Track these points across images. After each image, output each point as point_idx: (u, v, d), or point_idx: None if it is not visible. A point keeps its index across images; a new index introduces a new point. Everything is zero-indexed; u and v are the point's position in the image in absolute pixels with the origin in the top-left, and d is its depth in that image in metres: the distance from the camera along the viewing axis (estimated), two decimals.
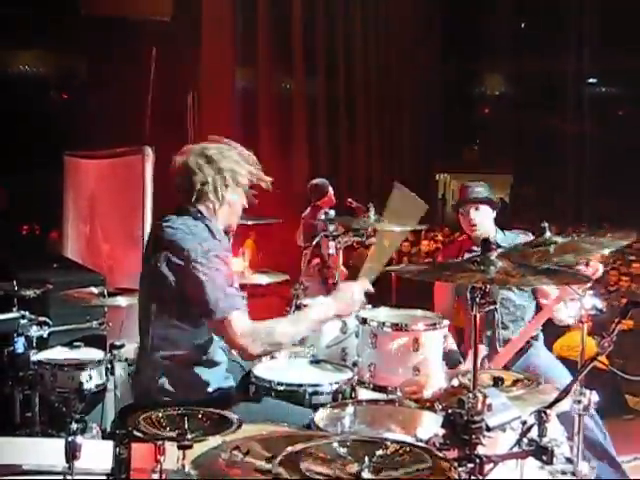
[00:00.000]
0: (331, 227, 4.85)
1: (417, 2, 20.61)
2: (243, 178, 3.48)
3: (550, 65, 21.01)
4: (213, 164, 3.41)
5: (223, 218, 3.49)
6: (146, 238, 3.73)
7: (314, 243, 5.15)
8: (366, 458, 2.16)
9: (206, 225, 3.35)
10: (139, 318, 3.51)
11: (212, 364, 3.42)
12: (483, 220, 4.60)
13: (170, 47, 14.40)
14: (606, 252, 3.17)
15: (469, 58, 22.59)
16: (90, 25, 14.25)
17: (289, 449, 2.25)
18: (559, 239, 3.09)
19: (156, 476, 2.53)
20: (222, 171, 3.41)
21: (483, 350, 4.38)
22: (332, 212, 7.88)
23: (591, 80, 22.63)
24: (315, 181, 8.65)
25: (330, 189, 8.43)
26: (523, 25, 22.87)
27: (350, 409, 3.28)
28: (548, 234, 3.10)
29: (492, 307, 2.49)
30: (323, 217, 7.41)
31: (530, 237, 4.34)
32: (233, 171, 3.44)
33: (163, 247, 3.28)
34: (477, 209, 4.59)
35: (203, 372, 3.39)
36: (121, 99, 12.87)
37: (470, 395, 2.45)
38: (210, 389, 3.39)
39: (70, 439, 2.42)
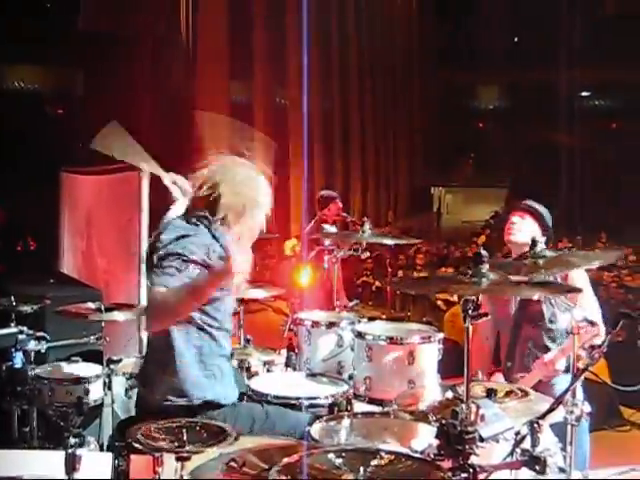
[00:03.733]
0: (326, 241, 4.89)
1: (411, 16, 20.73)
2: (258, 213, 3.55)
3: (544, 78, 21.08)
4: (236, 188, 3.48)
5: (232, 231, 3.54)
6: (143, 253, 3.78)
7: (310, 256, 5.19)
8: (361, 468, 2.20)
9: (206, 226, 3.44)
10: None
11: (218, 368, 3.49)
12: (525, 229, 4.40)
13: (166, 63, 14.49)
14: (594, 266, 3.22)
15: (463, 72, 22.66)
16: (86, 40, 14.30)
17: (286, 460, 2.28)
18: (549, 253, 3.13)
19: None
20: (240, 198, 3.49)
21: (500, 379, 4.36)
22: (327, 226, 7.95)
23: (584, 93, 22.73)
24: (321, 192, 8.67)
25: (336, 203, 8.40)
26: (516, 39, 22.97)
27: (346, 422, 3.30)
28: (539, 247, 3.14)
29: (485, 318, 2.53)
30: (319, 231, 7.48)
31: None
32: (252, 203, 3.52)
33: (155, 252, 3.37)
34: (522, 217, 4.46)
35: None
36: (117, 114, 12.91)
37: (463, 406, 2.49)
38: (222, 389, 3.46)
39: (70, 451, 2.45)
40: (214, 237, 3.43)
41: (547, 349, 4.37)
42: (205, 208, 3.47)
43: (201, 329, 3.42)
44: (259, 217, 3.56)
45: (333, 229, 7.72)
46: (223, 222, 3.47)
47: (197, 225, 3.44)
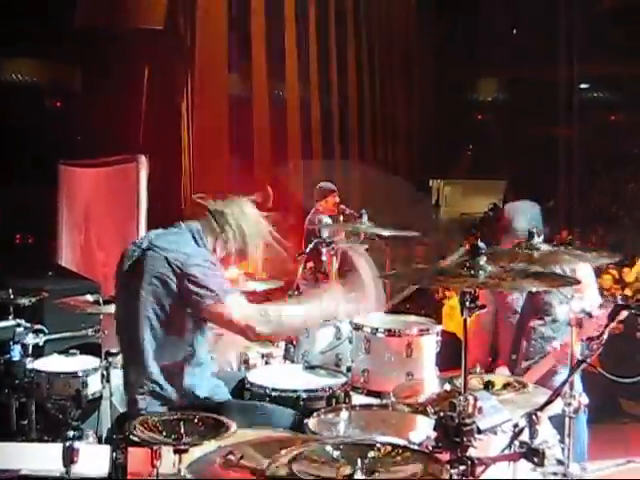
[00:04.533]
0: (325, 233, 4.88)
1: (411, 11, 20.71)
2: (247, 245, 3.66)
3: (542, 70, 21.06)
4: (235, 224, 3.63)
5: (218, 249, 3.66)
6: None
7: (309, 248, 5.17)
8: (359, 460, 2.19)
9: (193, 236, 3.56)
10: (122, 332, 3.61)
11: (198, 365, 3.53)
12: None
13: (164, 56, 14.43)
14: (586, 264, 3.23)
15: (461, 64, 22.63)
16: (84, 34, 14.26)
17: (283, 452, 2.28)
18: (545, 246, 3.13)
19: None
20: (237, 232, 3.63)
21: (506, 372, 4.35)
22: (326, 218, 7.95)
23: (583, 85, 22.70)
24: (320, 184, 8.71)
25: (334, 196, 8.42)
26: (515, 31, 22.94)
27: (344, 414, 3.30)
28: (536, 240, 3.14)
29: (482, 310, 2.52)
30: (317, 223, 7.48)
31: None
32: (243, 236, 3.64)
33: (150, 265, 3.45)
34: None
35: (194, 375, 3.47)
36: (115, 108, 12.88)
37: (461, 398, 2.48)
38: (200, 392, 3.45)
39: (68, 444, 2.44)
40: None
41: (552, 340, 4.36)
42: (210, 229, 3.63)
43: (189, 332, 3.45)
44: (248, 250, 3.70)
45: (329, 220, 7.74)
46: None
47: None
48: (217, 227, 3.62)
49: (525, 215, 4.41)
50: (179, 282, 3.38)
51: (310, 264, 7.36)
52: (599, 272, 9.96)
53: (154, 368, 3.41)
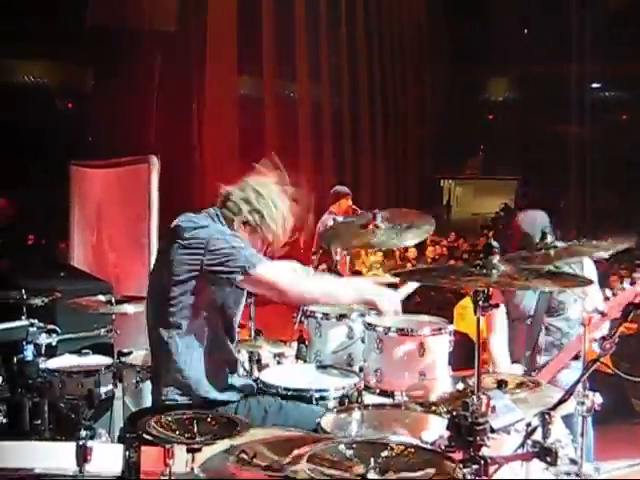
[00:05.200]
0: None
1: (421, 10, 20.67)
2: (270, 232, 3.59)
3: (554, 70, 20.99)
4: (257, 206, 3.54)
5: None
6: (153, 246, 3.79)
7: (321, 248, 5.16)
8: (372, 459, 2.20)
9: (212, 219, 3.51)
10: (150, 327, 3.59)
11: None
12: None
13: (175, 57, 14.47)
14: (605, 255, 3.23)
15: (473, 64, 22.57)
16: (95, 35, 14.31)
17: (296, 452, 2.28)
18: (559, 243, 3.13)
19: (165, 479, 2.56)
20: (258, 215, 3.55)
21: (519, 369, 4.35)
22: (339, 218, 7.98)
23: (595, 85, 22.61)
24: (335, 187, 8.86)
25: (347, 199, 8.48)
26: (526, 30, 22.85)
27: (357, 414, 3.30)
28: (549, 239, 3.14)
29: (495, 309, 2.52)
30: (331, 223, 7.50)
31: None
32: (267, 225, 3.57)
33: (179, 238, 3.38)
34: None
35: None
36: (127, 109, 12.91)
37: (474, 398, 2.48)
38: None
39: (81, 443, 2.45)
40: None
41: (568, 336, 4.38)
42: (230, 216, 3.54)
43: (208, 327, 3.43)
44: (273, 238, 3.62)
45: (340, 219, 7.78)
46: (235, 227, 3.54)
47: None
48: (232, 211, 3.54)
49: (538, 227, 4.44)
50: (202, 258, 3.32)
51: (323, 265, 7.39)
52: (605, 274, 9.94)
53: (180, 357, 3.40)
